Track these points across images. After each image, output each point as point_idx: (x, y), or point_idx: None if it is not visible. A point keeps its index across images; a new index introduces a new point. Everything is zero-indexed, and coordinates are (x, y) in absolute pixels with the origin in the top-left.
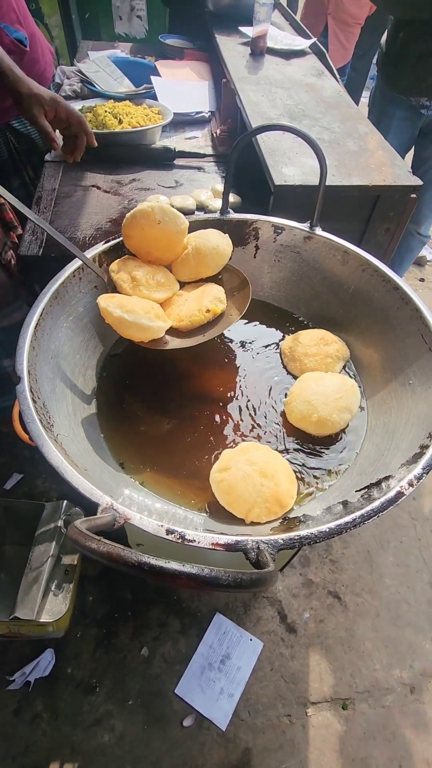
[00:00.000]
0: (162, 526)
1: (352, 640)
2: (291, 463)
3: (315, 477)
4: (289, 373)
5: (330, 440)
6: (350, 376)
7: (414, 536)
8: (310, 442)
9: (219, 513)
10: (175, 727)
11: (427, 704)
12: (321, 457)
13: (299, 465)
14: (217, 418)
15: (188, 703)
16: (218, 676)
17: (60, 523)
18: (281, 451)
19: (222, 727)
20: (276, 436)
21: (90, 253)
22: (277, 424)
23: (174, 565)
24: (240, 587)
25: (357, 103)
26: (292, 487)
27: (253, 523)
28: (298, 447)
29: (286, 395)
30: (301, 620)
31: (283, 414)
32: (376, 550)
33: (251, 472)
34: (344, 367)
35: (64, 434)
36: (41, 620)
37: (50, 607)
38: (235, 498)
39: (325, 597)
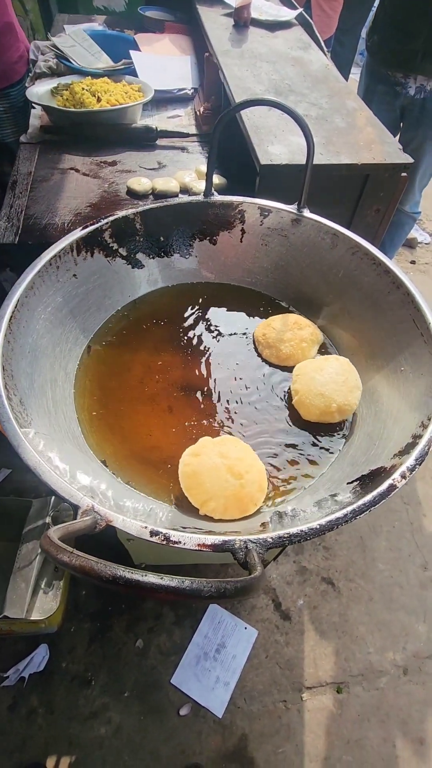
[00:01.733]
0: (146, 527)
1: (346, 624)
2: (278, 456)
3: (304, 468)
4: (264, 360)
5: (325, 431)
6: None
7: (406, 520)
8: (302, 435)
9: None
10: (172, 717)
11: (419, 685)
12: (313, 448)
13: (291, 456)
14: (201, 411)
15: (184, 693)
16: (214, 665)
17: (48, 519)
18: (274, 448)
19: (218, 714)
20: (273, 424)
21: (67, 240)
22: (271, 411)
23: (152, 578)
24: (223, 597)
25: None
26: (259, 493)
27: (206, 517)
28: (287, 439)
29: (260, 387)
30: (296, 607)
31: (290, 407)
32: (369, 535)
33: (220, 464)
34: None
35: (44, 432)
36: (32, 618)
37: (40, 604)
38: (194, 484)
39: (318, 583)
